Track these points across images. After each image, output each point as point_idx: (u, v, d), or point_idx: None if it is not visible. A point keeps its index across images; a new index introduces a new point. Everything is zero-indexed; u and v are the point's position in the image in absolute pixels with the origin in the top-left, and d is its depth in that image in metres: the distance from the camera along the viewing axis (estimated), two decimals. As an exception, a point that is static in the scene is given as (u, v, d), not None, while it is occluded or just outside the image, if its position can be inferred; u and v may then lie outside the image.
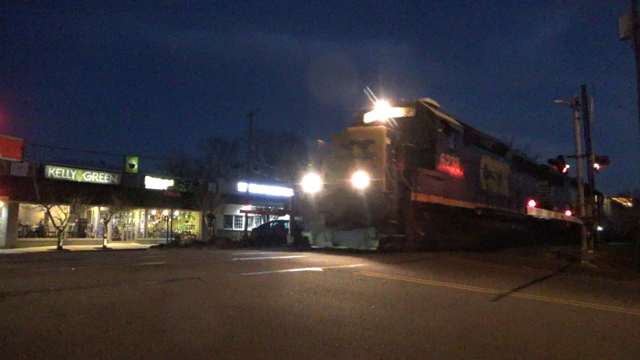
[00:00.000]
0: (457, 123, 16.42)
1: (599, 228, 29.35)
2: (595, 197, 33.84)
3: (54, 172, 26.07)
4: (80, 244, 25.13)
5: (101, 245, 24.00)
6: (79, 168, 27.58)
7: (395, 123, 14.96)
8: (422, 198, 13.45)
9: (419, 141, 14.64)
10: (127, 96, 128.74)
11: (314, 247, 14.35)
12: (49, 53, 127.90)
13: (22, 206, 24.80)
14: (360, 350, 3.43)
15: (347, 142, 13.77)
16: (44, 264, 7.96)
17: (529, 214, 19.41)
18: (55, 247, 21.63)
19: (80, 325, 3.64)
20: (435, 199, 14.22)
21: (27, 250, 20.41)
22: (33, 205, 24.17)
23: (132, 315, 4.05)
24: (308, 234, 14.55)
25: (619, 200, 42.22)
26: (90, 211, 28.58)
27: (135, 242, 28.71)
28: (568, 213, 24.48)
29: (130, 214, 30.61)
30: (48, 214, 23.09)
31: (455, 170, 15.79)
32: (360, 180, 12.95)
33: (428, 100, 16.05)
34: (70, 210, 23.52)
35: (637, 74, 13.20)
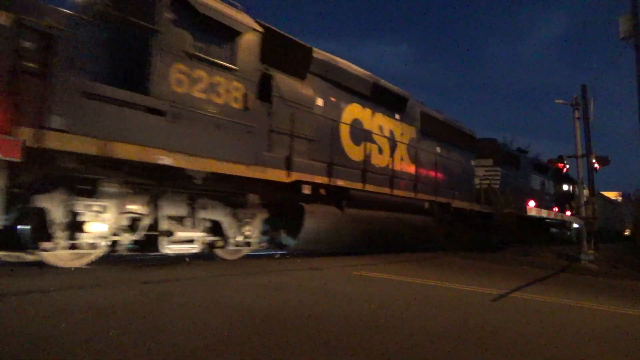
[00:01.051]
0: (249, 21, 8.34)
1: (575, 225, 24.90)
2: (569, 187, 27.64)
3: (54, 172, 26.06)
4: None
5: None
6: (79, 168, 27.57)
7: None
8: (80, 146, 6.02)
9: (120, 38, 6.85)
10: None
11: None
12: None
13: (22, 206, 24.81)
14: (360, 351, 3.43)
15: None
16: (44, 264, 7.92)
17: (528, 214, 18.96)
18: (55, 247, 21.60)
19: (81, 325, 3.63)
20: (143, 154, 6.52)
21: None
22: (33, 205, 24.17)
23: (132, 314, 4.05)
24: None
25: (604, 194, 38.36)
26: (90, 211, 28.53)
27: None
28: (568, 213, 24.31)
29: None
30: (48, 214, 23.09)
31: (232, 104, 7.90)
32: None
33: None
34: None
35: (637, 74, 13.22)
